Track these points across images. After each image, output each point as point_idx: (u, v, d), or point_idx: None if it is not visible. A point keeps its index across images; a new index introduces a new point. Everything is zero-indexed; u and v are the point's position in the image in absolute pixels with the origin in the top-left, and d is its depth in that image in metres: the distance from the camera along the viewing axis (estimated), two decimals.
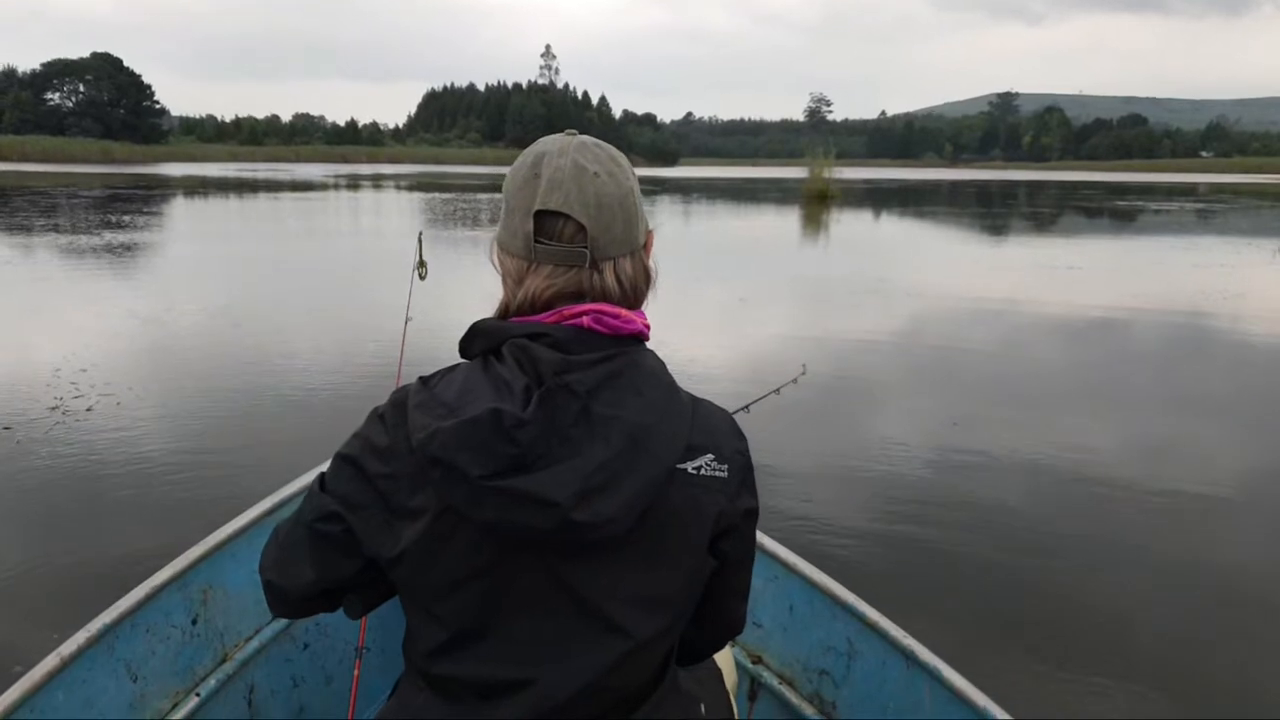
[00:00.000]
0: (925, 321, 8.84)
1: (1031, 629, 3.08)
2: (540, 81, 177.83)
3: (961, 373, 6.81)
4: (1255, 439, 5.34)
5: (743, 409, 2.13)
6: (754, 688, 2.01)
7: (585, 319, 1.00)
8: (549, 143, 1.06)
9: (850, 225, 22.94)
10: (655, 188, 42.87)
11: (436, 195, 33.52)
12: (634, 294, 1.07)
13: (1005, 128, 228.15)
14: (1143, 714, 2.63)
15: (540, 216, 1.02)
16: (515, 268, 1.05)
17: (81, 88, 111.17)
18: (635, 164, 1.07)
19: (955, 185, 56.66)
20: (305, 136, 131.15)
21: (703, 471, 1.03)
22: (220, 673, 1.82)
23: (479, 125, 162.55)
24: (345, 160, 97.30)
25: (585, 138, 1.08)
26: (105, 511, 3.87)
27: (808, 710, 1.90)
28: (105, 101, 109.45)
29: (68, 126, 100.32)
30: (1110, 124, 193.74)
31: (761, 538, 1.85)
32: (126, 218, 19.35)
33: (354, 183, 44.81)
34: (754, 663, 2.01)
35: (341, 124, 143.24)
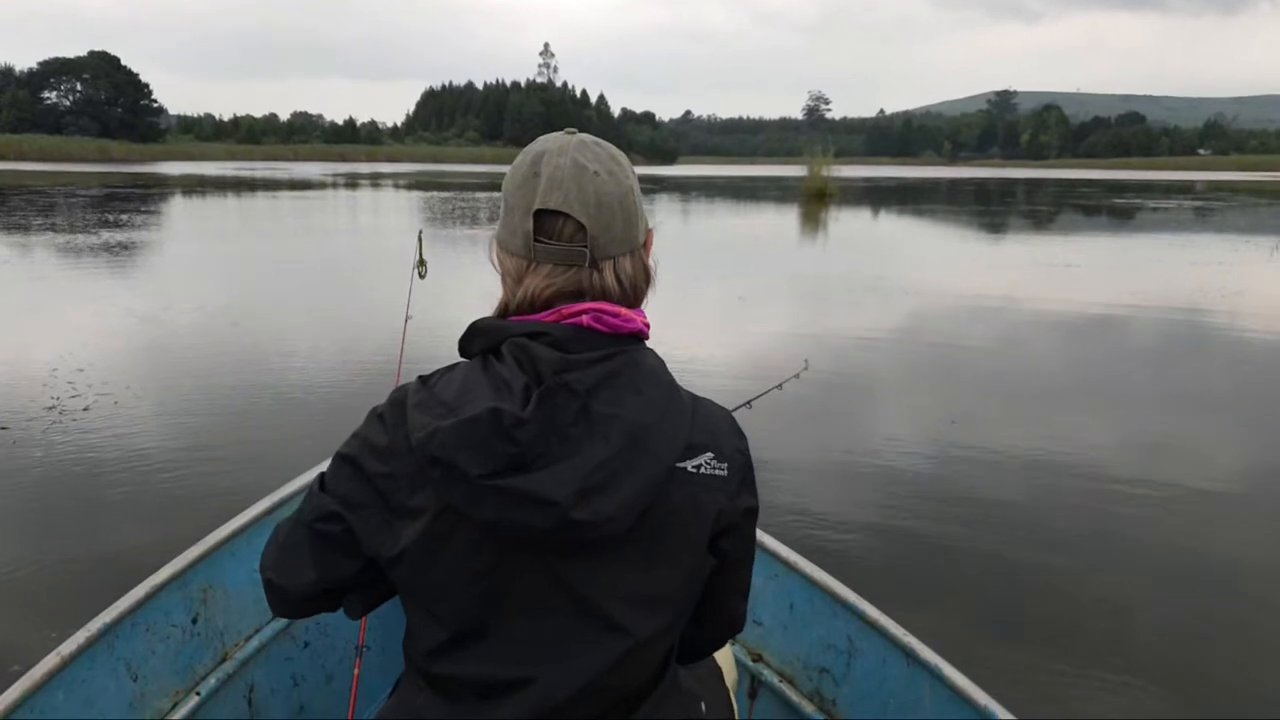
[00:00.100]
0: (924, 319, 8.85)
1: (1032, 629, 3.08)
2: (539, 80, 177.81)
3: (960, 370, 6.81)
4: (1254, 436, 5.35)
5: (745, 405, 2.13)
6: (754, 686, 2.01)
7: (585, 318, 1.00)
8: (548, 141, 1.06)
9: (849, 223, 22.94)
10: (654, 186, 42.86)
11: (435, 194, 33.49)
12: (634, 293, 1.07)
13: (1003, 126, 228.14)
14: (1143, 712, 2.63)
15: (540, 215, 1.02)
16: (515, 266, 1.05)
17: (79, 86, 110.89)
18: (634, 162, 1.07)
19: (954, 183, 56.67)
20: (303, 135, 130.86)
21: (702, 470, 1.03)
22: (220, 672, 1.82)
23: (477, 124, 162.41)
24: (344, 159, 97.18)
25: (585, 136, 1.07)
26: (102, 511, 3.87)
27: (808, 708, 1.90)
28: (103, 100, 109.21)
29: (65, 125, 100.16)
30: (1108, 122, 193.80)
31: (761, 536, 1.85)
32: (124, 217, 19.33)
33: (352, 182, 44.77)
34: (754, 661, 2.01)
35: (340, 123, 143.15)
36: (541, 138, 1.08)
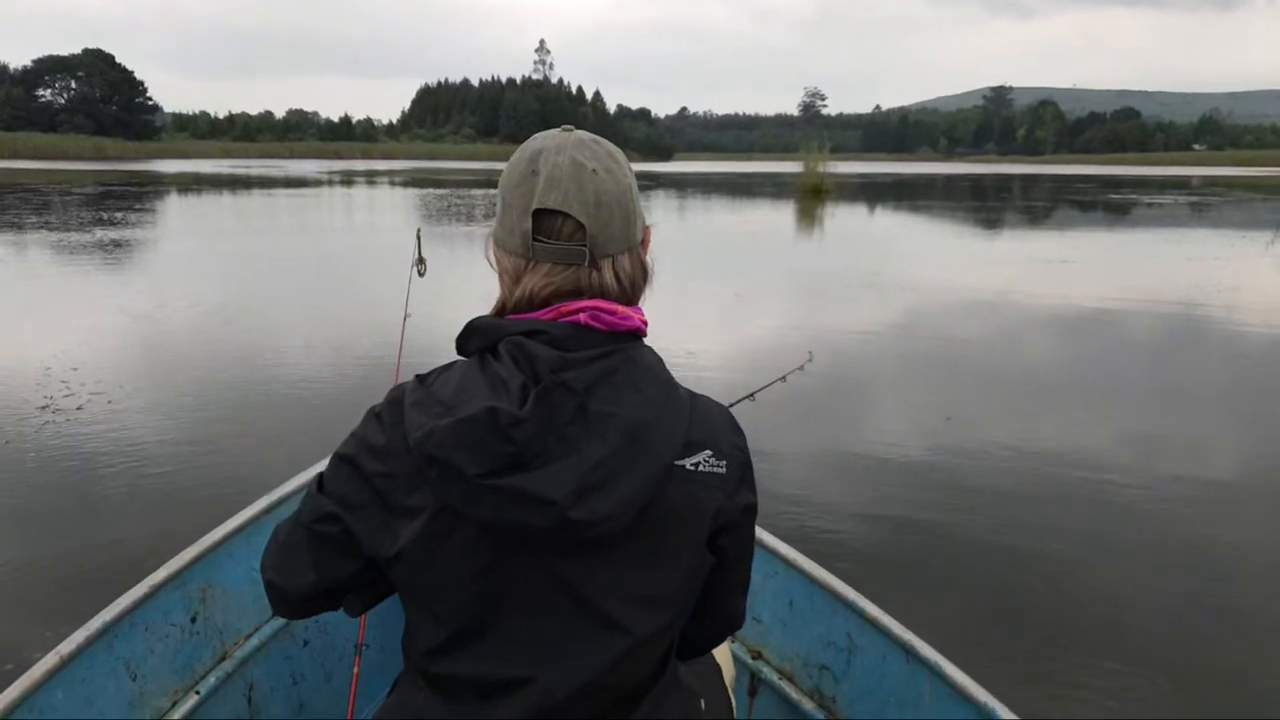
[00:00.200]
0: (921, 315, 8.85)
1: (1032, 629, 3.08)
2: (534, 77, 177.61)
3: (957, 366, 6.82)
4: (1251, 430, 5.36)
5: (748, 397, 2.13)
6: (754, 683, 2.01)
7: (583, 316, 1.00)
8: (546, 139, 1.06)
9: (845, 219, 22.94)
10: (650, 183, 42.81)
11: (431, 191, 33.42)
12: (632, 290, 1.07)
13: (999, 121, 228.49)
14: (1142, 708, 2.64)
15: (539, 215, 1.01)
16: (513, 265, 1.05)
17: (73, 84, 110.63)
18: (630, 159, 1.07)
19: (949, 179, 56.66)
20: (299, 133, 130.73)
21: (701, 468, 1.03)
22: (220, 670, 1.81)
23: (473, 121, 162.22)
24: (339, 156, 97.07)
25: (582, 134, 1.07)
26: (98, 510, 3.86)
27: (807, 705, 1.90)
28: (97, 98, 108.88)
29: (60, 123, 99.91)
30: (1104, 117, 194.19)
31: (761, 533, 1.85)
32: (119, 214, 19.27)
33: (348, 179, 44.67)
34: (754, 658, 2.01)
35: (335, 120, 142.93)
36: (538, 135, 1.07)
